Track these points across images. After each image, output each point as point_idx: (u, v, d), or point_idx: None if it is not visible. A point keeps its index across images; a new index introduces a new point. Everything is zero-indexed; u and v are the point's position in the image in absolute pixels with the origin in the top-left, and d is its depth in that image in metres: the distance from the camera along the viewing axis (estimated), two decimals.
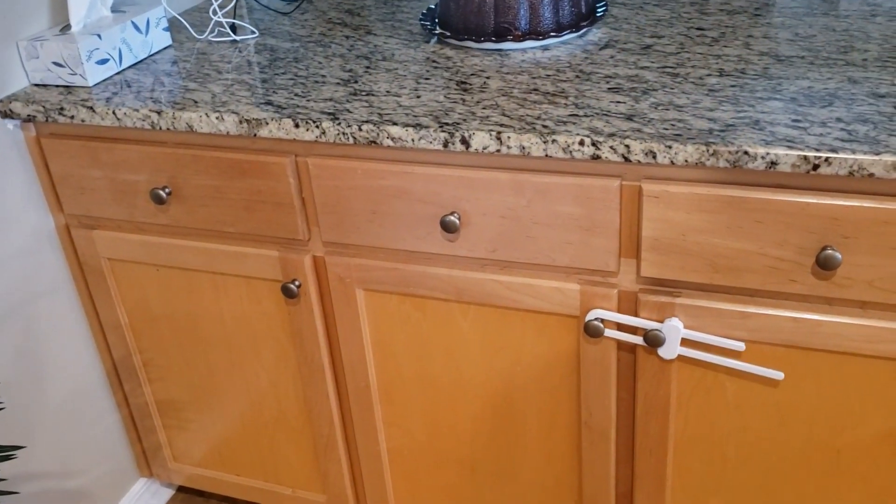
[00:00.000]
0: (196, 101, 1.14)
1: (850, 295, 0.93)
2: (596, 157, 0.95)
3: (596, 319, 1.05)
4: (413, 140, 1.01)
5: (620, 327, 1.06)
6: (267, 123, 1.07)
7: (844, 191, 0.90)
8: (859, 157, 0.85)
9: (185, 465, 1.53)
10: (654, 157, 0.92)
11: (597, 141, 0.94)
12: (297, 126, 1.05)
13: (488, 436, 1.24)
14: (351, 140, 1.04)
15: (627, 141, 0.93)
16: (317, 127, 1.05)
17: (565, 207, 1.01)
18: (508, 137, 0.97)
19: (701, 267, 0.98)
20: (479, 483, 1.29)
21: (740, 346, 1.00)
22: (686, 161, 0.91)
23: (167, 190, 1.20)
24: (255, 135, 1.08)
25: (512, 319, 1.13)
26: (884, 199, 0.88)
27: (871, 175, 0.85)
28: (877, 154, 0.85)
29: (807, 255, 0.93)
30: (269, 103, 1.11)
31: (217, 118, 1.09)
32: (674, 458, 1.14)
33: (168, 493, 1.65)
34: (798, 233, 0.92)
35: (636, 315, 1.05)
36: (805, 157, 0.87)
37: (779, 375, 1.00)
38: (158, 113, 1.13)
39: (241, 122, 1.08)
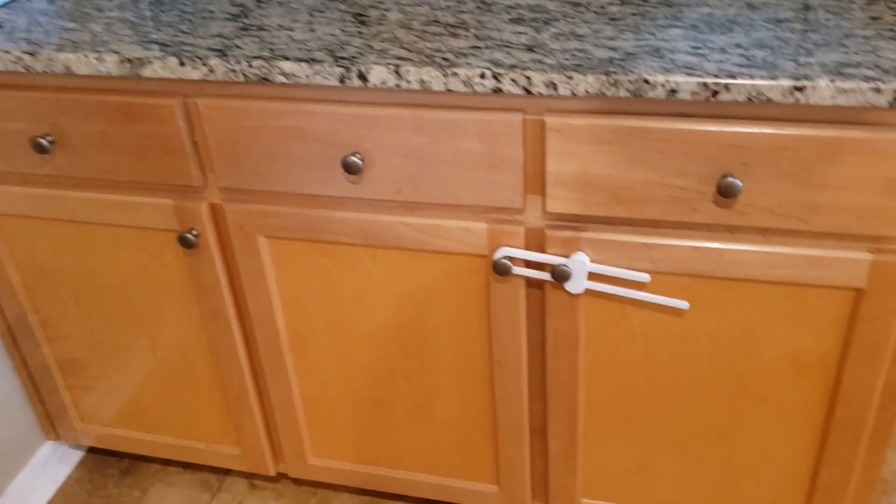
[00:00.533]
0: (75, 42, 1.07)
1: (751, 222, 0.94)
2: (497, 91, 0.92)
3: (504, 258, 1.04)
4: (307, 76, 0.96)
5: (528, 264, 1.05)
6: (150, 62, 1.00)
7: (744, 117, 0.89)
8: (757, 82, 0.85)
9: (94, 425, 1.48)
10: (556, 88, 0.90)
11: (498, 73, 0.91)
12: (182, 64, 0.99)
13: (402, 378, 1.22)
14: (241, 78, 0.98)
15: (528, 73, 0.90)
16: (204, 65, 0.99)
17: (469, 144, 0.98)
18: (408, 71, 0.94)
19: (605, 200, 0.97)
20: (395, 425, 1.28)
21: (645, 277, 1.00)
22: (587, 92, 0.90)
23: (50, 138, 1.12)
24: (138, 75, 1.02)
25: (421, 261, 1.10)
26: (782, 125, 0.88)
27: (770, 100, 0.85)
28: (774, 79, 0.84)
29: (708, 184, 0.93)
30: (152, 41, 1.04)
31: (97, 58, 1.02)
32: (585, 390, 1.15)
33: (77, 454, 1.60)
34: (699, 161, 0.92)
35: (543, 251, 1.04)
36: (704, 84, 0.86)
37: (683, 305, 1.01)
38: (32, 55, 1.04)
39: (122, 61, 1.01)
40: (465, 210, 1.05)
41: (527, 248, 1.05)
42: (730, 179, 0.90)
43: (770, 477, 1.14)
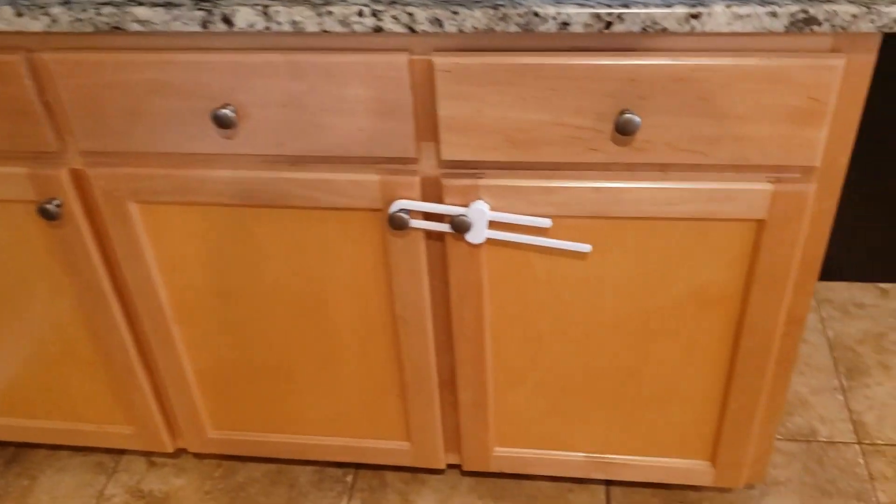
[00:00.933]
0: None
1: (651, 158, 0.91)
2: (378, 30, 0.85)
3: (400, 211, 0.98)
4: (165, 22, 0.86)
5: (427, 216, 1.00)
6: None
7: (640, 49, 0.85)
8: (652, 10, 0.80)
9: None
10: (441, 25, 0.83)
11: (377, 10, 0.84)
12: (19, 15, 0.87)
13: (302, 341, 1.16)
14: (90, 28, 0.87)
15: (410, 9, 0.83)
16: (45, 14, 0.87)
17: (353, 90, 0.91)
18: (277, 12, 0.85)
19: (501, 144, 0.92)
20: (298, 390, 1.22)
21: (546, 223, 0.96)
22: (475, 28, 0.83)
23: None
24: None
25: (312, 219, 1.03)
26: (678, 55, 0.84)
27: (665, 30, 0.81)
28: (669, 6, 0.80)
29: (605, 122, 0.88)
30: None
31: None
32: (491, 341, 1.11)
33: None
34: (595, 98, 0.87)
35: (441, 202, 0.98)
36: (597, 16, 0.81)
37: (586, 248, 0.98)
38: None
39: None
40: (355, 162, 0.98)
41: (424, 199, 0.99)
42: (627, 116, 0.86)
43: (681, 409, 1.14)
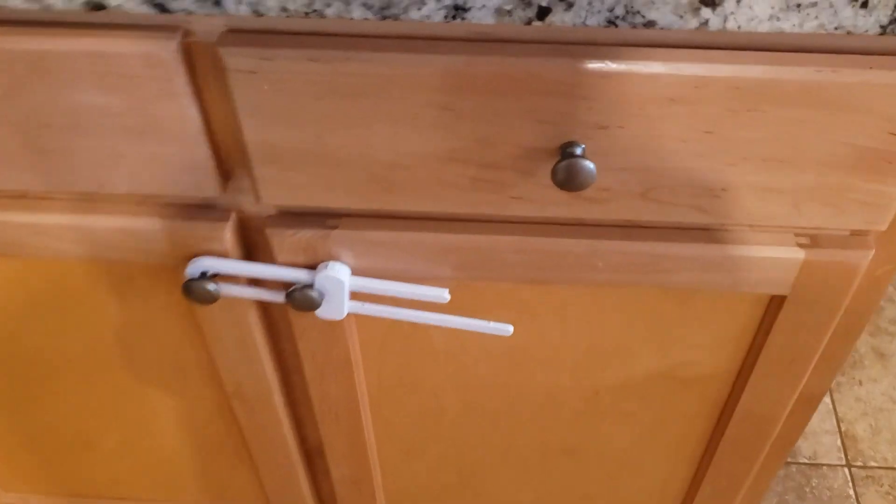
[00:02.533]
0: None
1: (611, 215, 0.54)
2: (99, 7, 0.44)
3: (203, 275, 0.60)
4: None
5: (252, 281, 0.62)
6: None
7: (601, 49, 0.46)
8: None
9: None
10: (220, 4, 0.43)
11: None
12: None
13: (99, 412, 0.81)
14: None
15: None
16: None
17: (95, 96, 0.51)
18: None
19: (361, 184, 0.54)
20: (104, 458, 0.88)
21: (442, 296, 0.60)
22: (285, 8, 0.43)
23: None
24: None
25: (73, 273, 0.65)
26: (676, 61, 0.46)
27: (652, 24, 0.42)
28: None
29: (536, 160, 0.51)
30: None
31: None
32: (372, 414, 0.77)
33: None
34: (521, 123, 0.49)
35: (275, 261, 0.60)
36: None
37: (507, 330, 0.62)
38: None
39: None
40: (122, 200, 0.59)
41: (245, 254, 0.61)
42: (573, 159, 0.48)
43: (634, 490, 0.84)
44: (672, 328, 0.64)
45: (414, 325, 0.67)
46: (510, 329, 0.62)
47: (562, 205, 0.54)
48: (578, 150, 0.49)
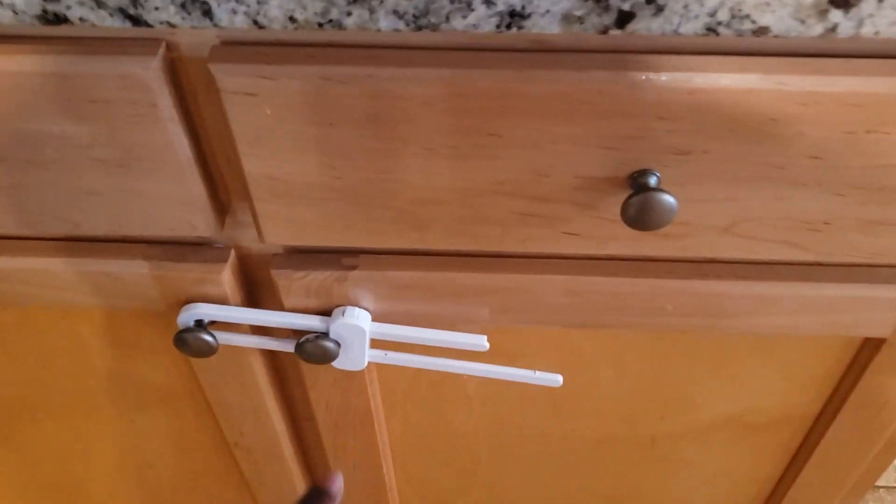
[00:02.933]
0: None
1: (688, 252, 0.45)
2: (60, 18, 0.35)
3: (199, 324, 0.51)
4: None
5: (255, 329, 0.54)
6: None
7: (679, 61, 0.37)
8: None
9: None
10: (210, 15, 0.34)
11: None
12: None
13: (98, 469, 0.72)
14: None
15: None
16: None
17: (60, 125, 0.41)
18: None
19: (388, 223, 0.45)
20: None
21: (482, 344, 0.51)
22: (293, 19, 0.34)
23: None
24: None
25: (55, 319, 0.56)
26: (780, 71, 0.36)
27: (763, 30, 0.33)
28: None
29: (598, 191, 0.42)
30: None
31: None
32: (395, 466, 0.69)
33: None
34: (580, 151, 0.40)
35: (282, 307, 0.52)
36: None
37: (556, 381, 0.53)
38: None
39: None
40: (98, 244, 0.50)
41: (246, 299, 0.53)
42: (652, 192, 0.39)
43: None
44: (744, 374, 0.55)
45: (440, 373, 0.58)
46: (560, 380, 0.53)
47: (626, 241, 0.45)
48: (653, 181, 0.40)
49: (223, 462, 0.70)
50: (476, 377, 0.58)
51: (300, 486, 0.71)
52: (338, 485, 0.52)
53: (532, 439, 0.64)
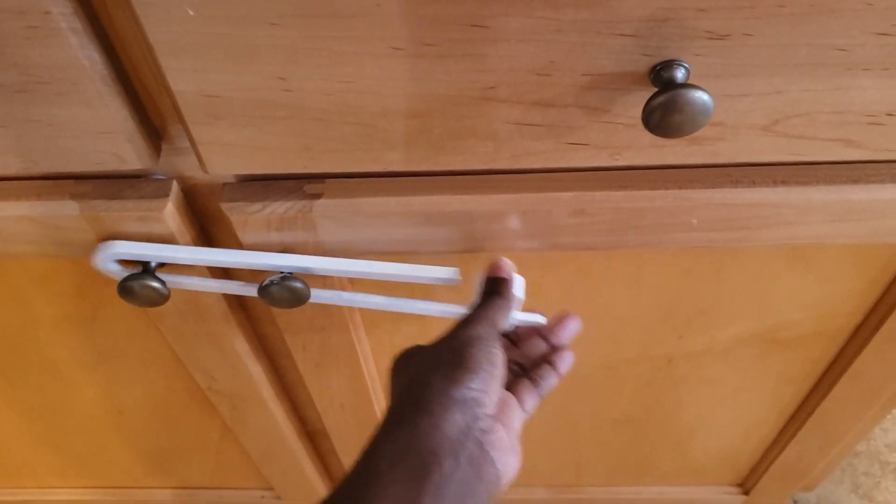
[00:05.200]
0: None
1: (719, 158, 0.38)
2: None
3: (147, 269, 0.44)
4: None
5: (217, 271, 0.46)
6: None
7: None
8: None
9: None
10: None
11: None
12: None
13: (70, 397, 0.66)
14: None
15: None
16: None
17: None
18: None
19: (354, 140, 0.37)
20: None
21: (453, 278, 0.44)
22: None
23: None
24: None
25: None
26: None
27: None
28: None
29: (608, 90, 0.34)
30: None
31: None
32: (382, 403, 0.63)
33: None
34: (597, 37, 0.32)
35: (242, 245, 0.44)
36: None
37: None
38: None
39: None
40: (21, 182, 0.42)
41: (195, 238, 0.45)
42: (681, 90, 0.31)
43: (700, 456, 0.71)
44: (777, 288, 0.49)
45: None
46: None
47: (645, 149, 0.37)
48: (681, 75, 0.32)
49: (200, 406, 0.65)
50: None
51: (285, 427, 0.65)
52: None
53: None
